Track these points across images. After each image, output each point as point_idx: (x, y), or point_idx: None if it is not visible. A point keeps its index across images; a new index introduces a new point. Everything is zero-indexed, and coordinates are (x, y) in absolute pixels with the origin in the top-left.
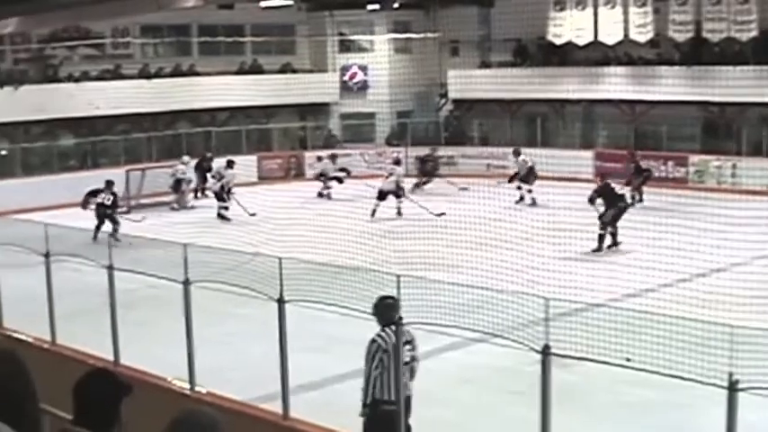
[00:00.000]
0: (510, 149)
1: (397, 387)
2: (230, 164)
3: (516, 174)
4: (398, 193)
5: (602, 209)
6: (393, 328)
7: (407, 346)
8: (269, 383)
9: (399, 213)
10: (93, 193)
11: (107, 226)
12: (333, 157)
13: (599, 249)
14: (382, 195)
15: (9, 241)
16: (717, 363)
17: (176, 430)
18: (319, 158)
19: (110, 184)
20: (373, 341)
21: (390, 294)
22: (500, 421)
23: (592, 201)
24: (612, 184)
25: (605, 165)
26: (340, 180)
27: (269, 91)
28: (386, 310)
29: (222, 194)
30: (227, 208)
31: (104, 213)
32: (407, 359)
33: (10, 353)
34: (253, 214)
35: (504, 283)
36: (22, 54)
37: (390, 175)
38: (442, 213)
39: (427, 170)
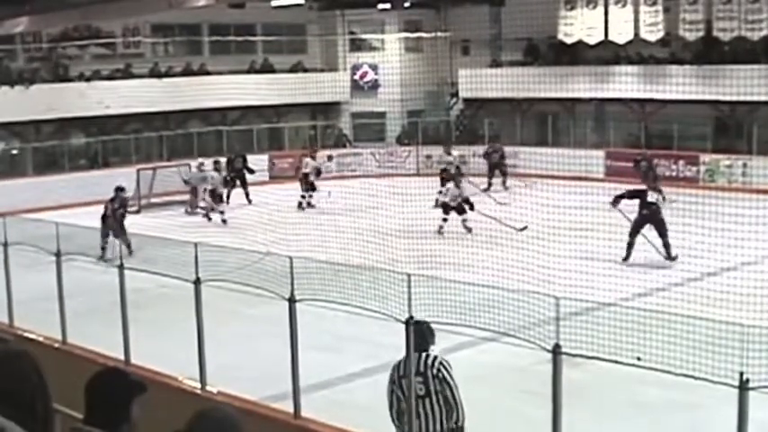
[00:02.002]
0: (521, 148)
1: (407, 420)
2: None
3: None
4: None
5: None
6: (419, 355)
7: (418, 378)
8: (280, 382)
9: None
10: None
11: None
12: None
13: (625, 258)
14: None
15: (20, 240)
16: (728, 362)
17: (197, 425)
18: (330, 158)
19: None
20: (392, 368)
21: (424, 320)
22: (511, 420)
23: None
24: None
25: (616, 164)
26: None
27: (280, 90)
28: (414, 335)
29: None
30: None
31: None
32: (421, 392)
33: (23, 353)
34: (224, 221)
35: (515, 282)
36: (33, 53)
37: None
38: (525, 228)
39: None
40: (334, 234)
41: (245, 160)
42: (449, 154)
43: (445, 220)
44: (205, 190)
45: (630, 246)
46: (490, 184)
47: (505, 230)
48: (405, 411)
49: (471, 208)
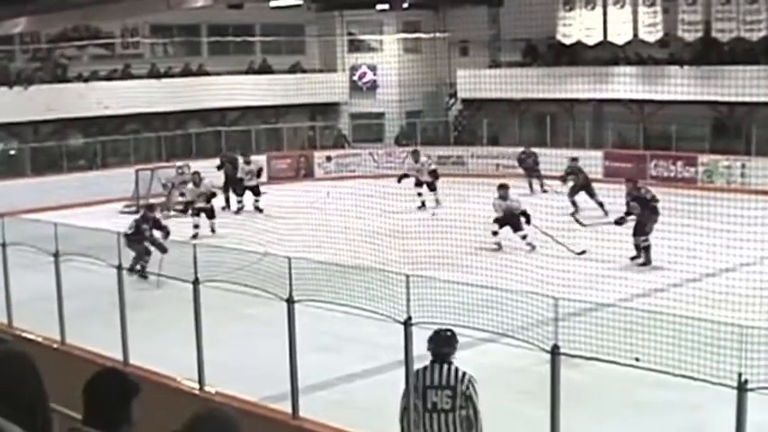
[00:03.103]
0: (519, 149)
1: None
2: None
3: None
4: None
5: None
6: (442, 366)
7: (446, 391)
8: (279, 383)
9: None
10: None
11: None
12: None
13: (648, 262)
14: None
15: (18, 241)
16: (726, 363)
17: (198, 425)
18: (329, 158)
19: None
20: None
21: (448, 327)
22: (510, 421)
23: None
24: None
25: (614, 164)
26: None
27: (278, 91)
28: (435, 345)
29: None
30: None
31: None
32: (446, 407)
33: (21, 354)
34: (212, 231)
35: (513, 283)
36: (32, 54)
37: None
38: (583, 252)
39: (529, 167)
40: (332, 235)
41: (234, 166)
42: (416, 161)
43: (495, 233)
44: (181, 194)
45: (649, 248)
46: (532, 189)
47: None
48: (420, 424)
49: (528, 221)
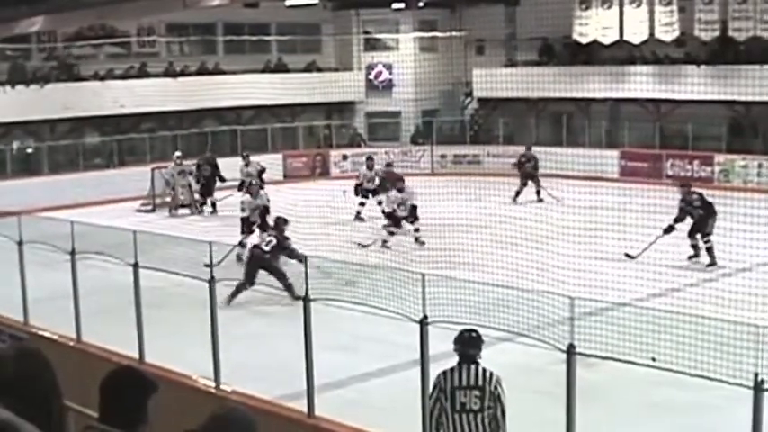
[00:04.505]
0: (535, 148)
1: None
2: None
3: (360, 185)
4: None
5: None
6: (470, 366)
7: (475, 392)
8: (294, 382)
9: None
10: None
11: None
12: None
13: (714, 263)
14: None
15: (35, 239)
16: (743, 363)
17: (215, 425)
18: (345, 157)
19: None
20: (437, 376)
21: (473, 328)
22: (525, 420)
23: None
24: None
25: (631, 164)
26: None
27: (294, 89)
28: (462, 345)
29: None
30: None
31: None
32: (475, 407)
33: (35, 351)
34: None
35: (529, 282)
36: (48, 52)
37: None
38: (365, 246)
39: (528, 171)
40: (349, 233)
41: (215, 167)
42: (370, 169)
43: (392, 233)
44: (184, 186)
45: (711, 248)
46: (518, 193)
47: (520, 230)
48: (449, 424)
49: (416, 218)
